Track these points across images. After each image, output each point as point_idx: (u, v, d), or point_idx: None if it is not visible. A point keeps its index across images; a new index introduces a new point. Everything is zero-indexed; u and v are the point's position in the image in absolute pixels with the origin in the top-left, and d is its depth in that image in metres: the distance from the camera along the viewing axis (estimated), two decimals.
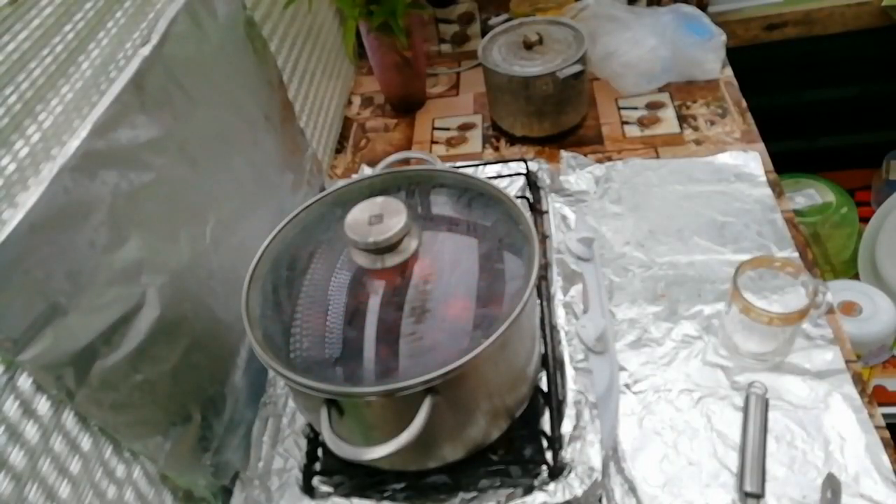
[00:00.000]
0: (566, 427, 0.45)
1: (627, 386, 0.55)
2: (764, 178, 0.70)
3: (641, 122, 0.82)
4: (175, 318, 0.44)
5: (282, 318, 0.41)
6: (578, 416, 0.45)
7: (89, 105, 0.41)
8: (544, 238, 0.59)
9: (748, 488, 0.47)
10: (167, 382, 0.43)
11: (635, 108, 0.85)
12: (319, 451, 0.48)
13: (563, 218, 0.63)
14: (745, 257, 0.56)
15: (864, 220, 1.13)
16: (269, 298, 0.42)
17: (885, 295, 0.93)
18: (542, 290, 0.53)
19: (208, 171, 0.51)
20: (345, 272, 0.42)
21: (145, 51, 0.44)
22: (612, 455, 0.50)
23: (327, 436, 0.35)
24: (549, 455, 0.45)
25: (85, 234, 0.37)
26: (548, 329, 0.51)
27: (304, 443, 0.49)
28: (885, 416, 0.51)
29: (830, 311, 0.57)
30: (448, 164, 0.58)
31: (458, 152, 0.85)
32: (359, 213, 0.41)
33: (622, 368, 0.56)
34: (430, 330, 0.39)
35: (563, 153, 0.77)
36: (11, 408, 0.33)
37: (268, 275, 0.43)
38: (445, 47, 1.03)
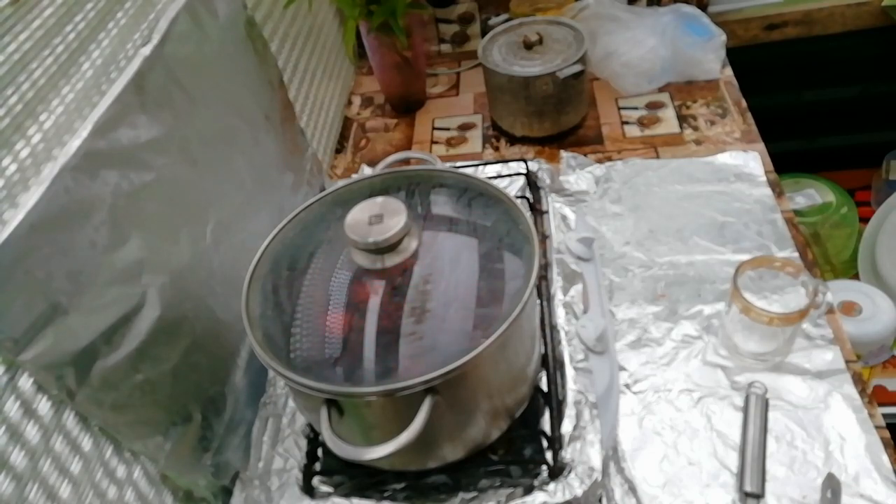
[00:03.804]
0: (566, 427, 0.45)
1: (627, 386, 0.55)
2: (764, 178, 0.70)
3: (641, 122, 0.82)
4: (175, 318, 0.44)
5: (282, 318, 0.41)
6: (578, 416, 0.45)
7: (90, 105, 0.41)
8: (544, 238, 0.59)
9: (748, 488, 0.47)
10: (168, 382, 0.43)
11: (635, 108, 0.85)
12: (319, 451, 0.48)
13: (563, 218, 0.63)
14: (745, 257, 0.56)
15: (864, 220, 1.13)
16: (270, 298, 0.42)
17: (885, 295, 0.93)
18: (542, 290, 0.53)
19: (209, 170, 0.51)
20: (345, 272, 0.42)
21: (146, 51, 0.44)
22: (612, 455, 0.50)
23: (327, 436, 0.35)
24: (549, 455, 0.45)
25: (86, 233, 0.37)
26: (548, 329, 0.51)
27: (304, 443, 0.49)
28: (885, 416, 0.51)
29: (830, 310, 0.57)
30: (448, 164, 0.58)
31: (458, 152, 0.85)
32: (359, 213, 0.41)
33: (622, 368, 0.56)
34: (430, 330, 0.39)
35: (563, 153, 0.77)
36: (12, 408, 0.33)
37: (268, 275, 0.43)
38: (445, 47, 1.03)
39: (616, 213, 0.70)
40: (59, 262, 0.35)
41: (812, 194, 1.15)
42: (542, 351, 0.49)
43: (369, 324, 0.39)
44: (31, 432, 0.34)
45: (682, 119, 0.81)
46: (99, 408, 0.38)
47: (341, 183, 0.49)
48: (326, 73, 0.88)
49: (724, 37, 0.85)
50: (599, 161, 0.77)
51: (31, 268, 0.34)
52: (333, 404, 0.37)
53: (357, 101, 0.98)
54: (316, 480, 0.47)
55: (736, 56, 0.88)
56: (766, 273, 0.54)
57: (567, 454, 0.44)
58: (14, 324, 0.32)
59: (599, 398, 0.48)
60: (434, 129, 0.89)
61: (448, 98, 0.94)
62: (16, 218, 0.33)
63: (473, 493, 0.44)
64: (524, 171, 0.65)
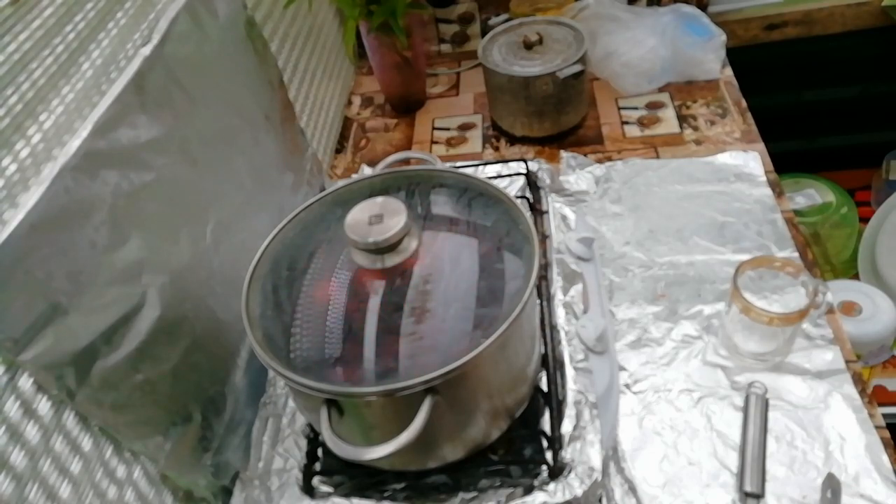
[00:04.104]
0: (566, 427, 0.45)
1: (627, 386, 0.55)
2: (764, 178, 0.70)
3: (641, 122, 0.82)
4: (175, 318, 0.44)
5: (282, 318, 0.41)
6: (578, 416, 0.45)
7: (90, 105, 0.41)
8: (544, 238, 0.59)
9: (748, 488, 0.47)
10: (168, 382, 0.43)
11: (635, 108, 0.84)
12: (319, 451, 0.48)
13: (563, 218, 0.63)
14: (745, 257, 0.56)
15: (864, 220, 1.13)
16: (270, 298, 0.42)
17: (885, 295, 0.93)
18: (542, 290, 0.53)
19: (209, 170, 0.51)
20: (345, 272, 0.42)
21: (146, 51, 0.44)
22: (612, 455, 0.50)
23: (327, 436, 0.35)
24: (549, 455, 0.45)
25: (86, 234, 0.37)
26: (548, 329, 0.51)
27: (304, 443, 0.48)
28: (885, 415, 0.51)
29: (830, 310, 0.57)
30: (448, 164, 0.58)
31: (458, 152, 0.85)
32: (359, 214, 0.41)
33: (622, 368, 0.56)
34: (430, 330, 0.39)
35: (563, 153, 0.77)
36: (12, 408, 0.33)
37: (268, 275, 0.43)
38: (445, 47, 1.03)
39: (616, 213, 0.70)
40: (59, 262, 0.35)
41: (812, 194, 1.15)
42: (542, 351, 0.49)
43: (369, 324, 0.39)
44: (31, 432, 0.34)
45: (682, 119, 0.81)
46: (99, 408, 0.38)
47: (341, 183, 0.49)
48: (326, 72, 0.88)
49: (723, 37, 0.85)
50: (599, 161, 0.77)
51: (31, 268, 0.34)
52: (333, 404, 0.37)
53: (357, 101, 0.98)
54: (316, 480, 0.47)
55: (736, 56, 0.88)
56: (766, 273, 0.54)
57: (567, 454, 0.44)
58: (14, 324, 0.32)
59: (599, 398, 0.48)
60: (434, 129, 0.89)
61: (448, 98, 0.94)
62: (16, 218, 0.33)
63: (473, 493, 0.44)
64: (524, 171, 0.65)
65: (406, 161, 0.57)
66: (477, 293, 0.40)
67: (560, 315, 0.52)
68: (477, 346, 0.36)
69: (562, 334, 0.51)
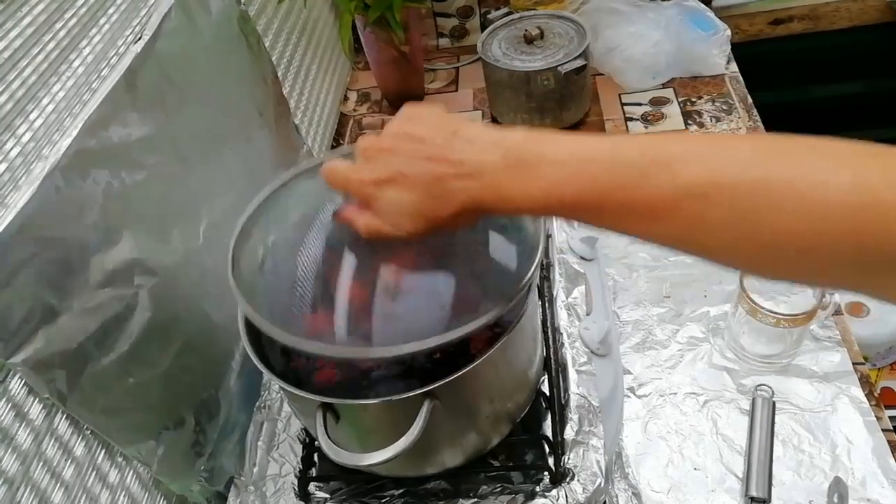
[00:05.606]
0: (569, 432, 0.44)
1: (632, 389, 0.54)
2: None
3: (645, 118, 0.81)
4: (167, 319, 0.44)
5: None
6: (581, 420, 0.45)
7: (81, 103, 0.40)
8: (546, 237, 0.58)
9: (754, 493, 0.46)
10: (160, 386, 0.43)
11: (639, 104, 0.83)
12: (315, 457, 0.48)
13: None
14: None
15: None
16: (264, 300, 0.41)
17: None
18: (544, 292, 0.52)
19: (201, 169, 0.50)
20: (341, 272, 0.41)
21: (137, 47, 0.44)
22: (616, 460, 0.49)
23: (323, 441, 0.35)
24: (551, 460, 0.44)
25: (77, 234, 0.37)
26: (550, 331, 0.50)
27: (299, 448, 0.48)
28: (892, 418, 0.50)
29: (838, 311, 0.56)
30: None
31: None
32: None
33: (626, 371, 0.55)
34: (429, 332, 0.38)
35: None
36: (3, 411, 0.33)
37: (262, 274, 0.42)
38: (444, 42, 1.02)
39: None
40: (50, 263, 0.35)
41: None
42: (544, 354, 0.48)
43: (366, 326, 0.38)
44: (23, 436, 0.34)
45: (686, 115, 0.80)
46: (90, 411, 0.37)
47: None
48: (322, 68, 0.87)
49: (728, 31, 0.84)
50: None
51: (22, 269, 0.33)
52: (329, 408, 0.36)
53: (353, 96, 0.97)
54: (312, 486, 0.46)
55: (741, 51, 0.87)
56: None
57: (569, 459, 0.43)
58: (4, 325, 0.32)
59: (603, 402, 0.47)
60: None
61: (447, 94, 0.93)
62: (6, 218, 0.33)
63: (474, 500, 0.43)
64: None
65: None
66: (477, 295, 0.39)
67: (562, 317, 0.51)
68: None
69: (564, 337, 0.50)
